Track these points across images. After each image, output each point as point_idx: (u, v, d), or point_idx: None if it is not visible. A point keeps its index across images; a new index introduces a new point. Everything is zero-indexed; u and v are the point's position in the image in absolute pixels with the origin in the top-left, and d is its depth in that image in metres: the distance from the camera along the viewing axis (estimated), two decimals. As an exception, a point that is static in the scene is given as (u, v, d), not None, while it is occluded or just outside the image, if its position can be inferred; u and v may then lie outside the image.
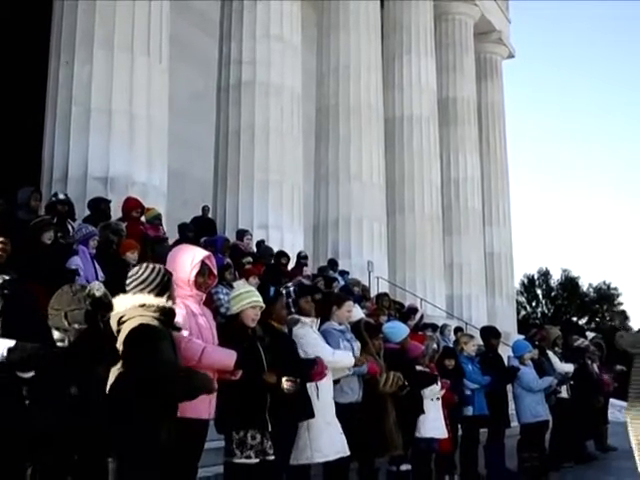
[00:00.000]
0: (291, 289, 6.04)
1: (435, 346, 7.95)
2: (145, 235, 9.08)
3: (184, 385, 3.88)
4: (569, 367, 10.09)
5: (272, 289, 5.95)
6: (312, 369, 5.35)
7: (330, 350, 5.73)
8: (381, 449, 6.49)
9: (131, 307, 3.93)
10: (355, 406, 6.21)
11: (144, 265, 4.16)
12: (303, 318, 5.86)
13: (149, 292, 3.98)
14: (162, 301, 3.96)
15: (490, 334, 9.27)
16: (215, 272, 4.80)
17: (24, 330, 3.86)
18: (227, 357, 4.51)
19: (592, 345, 11.46)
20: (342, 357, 5.88)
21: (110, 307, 3.85)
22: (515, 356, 9.26)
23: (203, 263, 4.66)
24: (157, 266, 4.13)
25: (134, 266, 4.34)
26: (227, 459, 4.88)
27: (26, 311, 4.42)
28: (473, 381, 8.40)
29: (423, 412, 7.23)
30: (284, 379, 4.86)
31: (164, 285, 4.04)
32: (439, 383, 7.51)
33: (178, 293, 4.50)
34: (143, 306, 3.93)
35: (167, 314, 3.98)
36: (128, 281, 4.09)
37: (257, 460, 4.81)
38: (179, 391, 3.89)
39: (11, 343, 3.50)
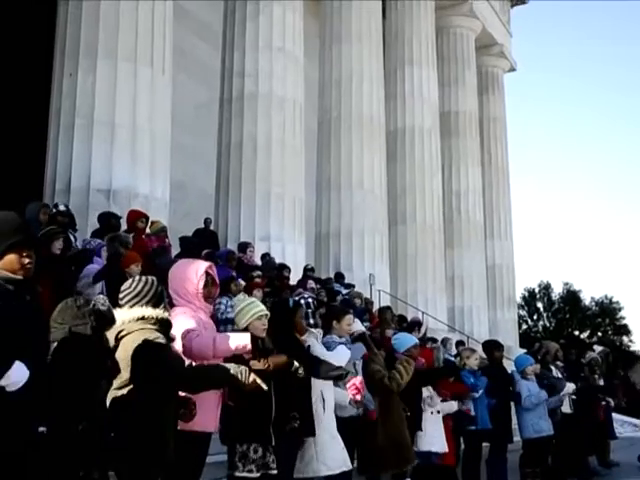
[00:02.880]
0: (309, 300, 6.02)
1: (440, 355, 7.95)
2: (148, 247, 9.06)
3: (203, 377, 3.93)
4: (570, 386, 10.01)
5: (291, 300, 5.92)
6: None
7: (329, 353, 5.76)
8: (395, 464, 6.45)
9: (129, 321, 3.90)
10: (356, 419, 6.15)
11: (137, 278, 4.13)
12: (312, 331, 5.86)
13: (146, 304, 3.96)
14: (160, 312, 3.95)
15: (493, 347, 9.19)
16: (217, 281, 4.85)
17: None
18: (241, 338, 4.53)
19: (600, 358, 11.36)
20: (341, 354, 5.83)
21: (113, 322, 3.83)
22: (518, 371, 9.18)
23: (207, 274, 4.70)
24: (150, 278, 4.11)
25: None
26: (229, 472, 4.84)
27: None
28: (476, 389, 8.30)
29: (420, 429, 7.20)
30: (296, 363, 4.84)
31: (160, 296, 4.03)
32: (437, 398, 7.50)
33: (188, 307, 4.51)
34: (142, 319, 3.90)
35: (165, 325, 3.97)
36: (121, 295, 4.05)
37: (259, 474, 4.76)
38: (200, 382, 3.93)
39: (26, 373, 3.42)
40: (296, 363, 4.82)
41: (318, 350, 5.75)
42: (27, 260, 3.33)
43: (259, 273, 10.20)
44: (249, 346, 4.49)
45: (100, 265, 7.33)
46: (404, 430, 6.48)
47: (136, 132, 10.87)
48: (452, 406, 7.65)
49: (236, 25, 14.74)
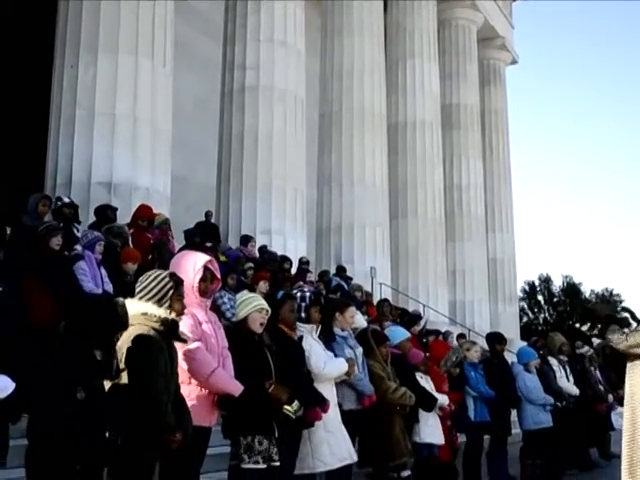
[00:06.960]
0: (307, 294, 5.94)
1: (454, 358, 7.95)
2: (150, 242, 9.06)
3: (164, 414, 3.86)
4: (574, 390, 10.01)
5: (280, 293, 5.87)
6: (313, 410, 5.26)
7: (322, 362, 5.65)
8: (390, 456, 6.46)
9: (134, 314, 3.94)
10: (356, 413, 6.14)
11: (151, 272, 4.17)
12: (302, 325, 5.80)
13: (152, 301, 3.99)
14: (162, 312, 3.96)
15: (495, 340, 9.21)
16: (219, 276, 4.81)
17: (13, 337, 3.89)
18: (233, 387, 4.48)
19: (596, 352, 11.39)
20: (334, 368, 5.75)
21: (126, 326, 3.86)
22: (520, 363, 9.20)
23: (205, 268, 4.64)
24: (161, 274, 4.11)
25: (139, 275, 4.34)
26: (233, 463, 4.84)
27: (15, 319, 4.47)
28: (475, 389, 8.33)
29: (417, 420, 7.21)
30: (292, 406, 4.85)
31: (164, 294, 4.02)
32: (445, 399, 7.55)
33: (185, 301, 4.50)
34: (145, 314, 3.94)
35: (168, 325, 3.97)
36: (136, 285, 4.12)
37: (264, 466, 4.78)
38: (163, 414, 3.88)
39: (11, 386, 3.50)
40: (294, 405, 4.85)
41: (313, 347, 5.70)
42: None
43: (250, 265, 10.17)
44: (235, 396, 4.46)
45: (90, 260, 7.29)
46: (394, 425, 6.49)
47: (137, 125, 10.86)
48: (444, 400, 7.64)
49: (237, 18, 14.72)
